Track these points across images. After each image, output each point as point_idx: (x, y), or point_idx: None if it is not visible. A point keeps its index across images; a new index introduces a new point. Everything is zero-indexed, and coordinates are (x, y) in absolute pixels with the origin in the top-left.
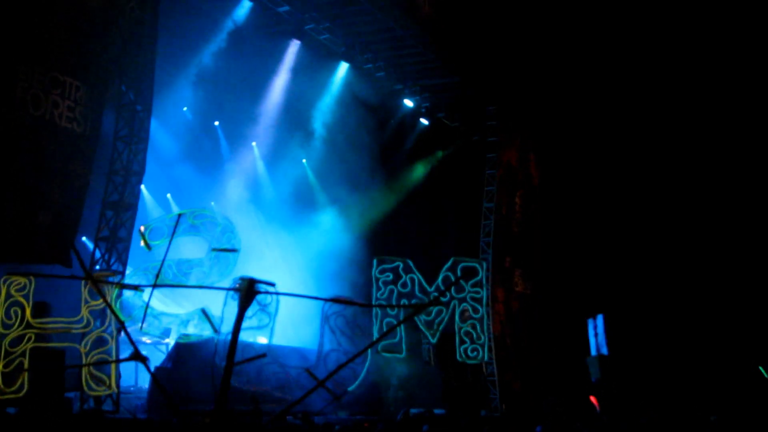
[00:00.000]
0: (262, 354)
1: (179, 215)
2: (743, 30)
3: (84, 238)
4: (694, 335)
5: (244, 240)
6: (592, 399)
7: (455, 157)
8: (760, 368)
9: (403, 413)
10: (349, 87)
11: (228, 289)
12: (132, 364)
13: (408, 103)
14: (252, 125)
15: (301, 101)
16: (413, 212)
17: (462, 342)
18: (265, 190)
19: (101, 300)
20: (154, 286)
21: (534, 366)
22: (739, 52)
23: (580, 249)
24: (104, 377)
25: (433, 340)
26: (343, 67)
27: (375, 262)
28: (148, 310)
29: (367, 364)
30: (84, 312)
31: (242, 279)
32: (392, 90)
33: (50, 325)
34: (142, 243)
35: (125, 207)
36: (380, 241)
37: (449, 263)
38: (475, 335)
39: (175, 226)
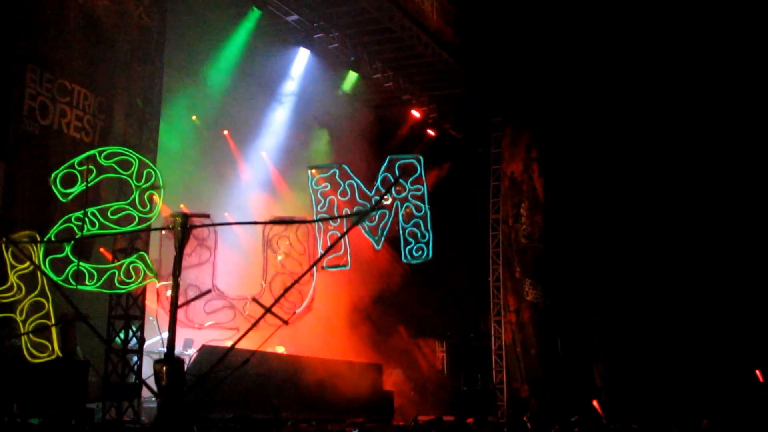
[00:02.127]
0: (206, 291)
1: (87, 156)
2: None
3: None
4: (697, 340)
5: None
6: (595, 404)
7: (462, 168)
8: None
9: (414, 420)
10: (358, 96)
11: (160, 229)
12: (150, 372)
13: (416, 113)
14: (261, 134)
15: (309, 110)
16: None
17: (407, 243)
18: (277, 199)
19: (28, 263)
20: (80, 238)
21: (543, 374)
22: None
23: (586, 258)
24: (46, 343)
25: (378, 247)
26: (352, 77)
27: (309, 172)
28: (81, 265)
29: (313, 283)
30: (12, 278)
31: (173, 215)
32: (400, 100)
33: None
34: (54, 190)
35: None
36: None
37: (386, 163)
38: (419, 233)
39: (86, 170)
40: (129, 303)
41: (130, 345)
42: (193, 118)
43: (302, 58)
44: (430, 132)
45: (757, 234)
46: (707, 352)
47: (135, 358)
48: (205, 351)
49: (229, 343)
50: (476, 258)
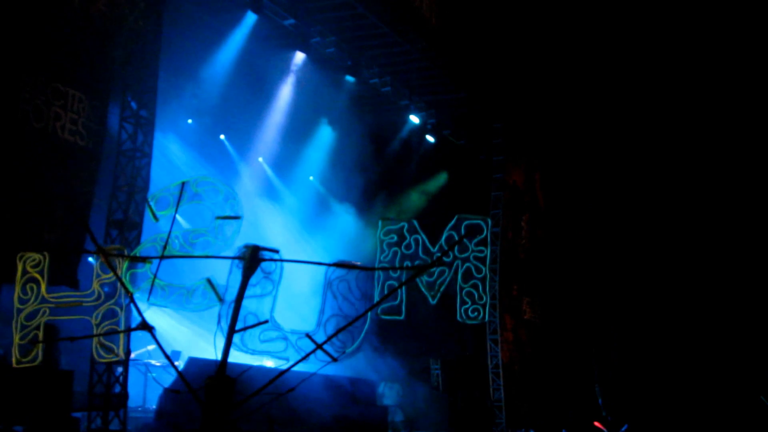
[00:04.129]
0: (264, 320)
1: (183, 183)
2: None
3: (90, 258)
4: (700, 359)
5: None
6: (597, 425)
7: (462, 176)
8: (762, 398)
9: None
10: (355, 101)
11: (232, 258)
12: (140, 387)
13: (414, 119)
14: (257, 139)
15: (306, 115)
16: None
17: (463, 303)
18: (277, 204)
19: (111, 273)
20: (161, 257)
21: (542, 393)
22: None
23: (586, 274)
24: (113, 346)
25: (433, 302)
26: (348, 82)
27: (380, 224)
28: (156, 282)
29: (365, 327)
30: (95, 285)
31: (246, 246)
32: (398, 106)
33: (64, 299)
34: (150, 214)
35: (130, 226)
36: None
37: (453, 221)
38: (476, 295)
39: (180, 195)
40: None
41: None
42: (189, 121)
43: (299, 62)
44: (429, 138)
45: (756, 245)
46: (712, 371)
47: (120, 369)
48: (193, 363)
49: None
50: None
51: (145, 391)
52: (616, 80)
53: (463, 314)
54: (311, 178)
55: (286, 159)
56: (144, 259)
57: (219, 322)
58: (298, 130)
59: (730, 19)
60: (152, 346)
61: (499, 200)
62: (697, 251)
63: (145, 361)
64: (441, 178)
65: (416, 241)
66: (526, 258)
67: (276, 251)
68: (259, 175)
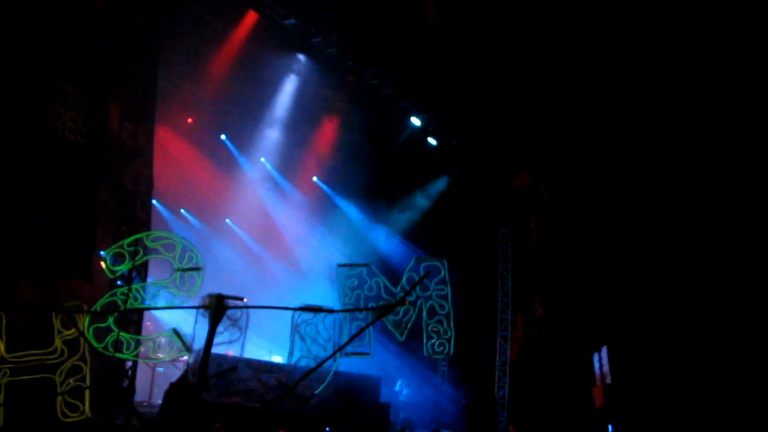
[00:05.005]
0: (233, 367)
1: (136, 239)
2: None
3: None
4: (706, 362)
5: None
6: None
7: (466, 179)
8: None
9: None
10: (355, 103)
11: (197, 307)
12: (147, 379)
13: (415, 121)
14: (258, 139)
15: (306, 116)
16: (426, 233)
17: (429, 338)
18: (279, 204)
19: (74, 329)
20: (124, 310)
21: (548, 391)
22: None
23: (594, 273)
24: (78, 403)
25: (401, 338)
26: (350, 82)
27: (338, 270)
28: (121, 335)
29: (333, 368)
30: (57, 343)
31: (210, 295)
32: (400, 107)
33: (25, 359)
34: (104, 267)
35: (137, 223)
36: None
37: (411, 263)
38: (441, 330)
39: (135, 250)
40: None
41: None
42: (189, 120)
43: (299, 62)
44: (431, 140)
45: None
46: (716, 373)
47: (129, 364)
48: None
49: None
50: (484, 272)
51: (152, 386)
52: (619, 80)
53: (430, 349)
54: (314, 178)
55: (287, 158)
56: (105, 314)
57: (186, 373)
58: (299, 130)
59: (731, 19)
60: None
61: (505, 202)
62: (703, 247)
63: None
64: (443, 181)
65: (377, 283)
66: (537, 258)
67: (241, 299)
68: (262, 173)
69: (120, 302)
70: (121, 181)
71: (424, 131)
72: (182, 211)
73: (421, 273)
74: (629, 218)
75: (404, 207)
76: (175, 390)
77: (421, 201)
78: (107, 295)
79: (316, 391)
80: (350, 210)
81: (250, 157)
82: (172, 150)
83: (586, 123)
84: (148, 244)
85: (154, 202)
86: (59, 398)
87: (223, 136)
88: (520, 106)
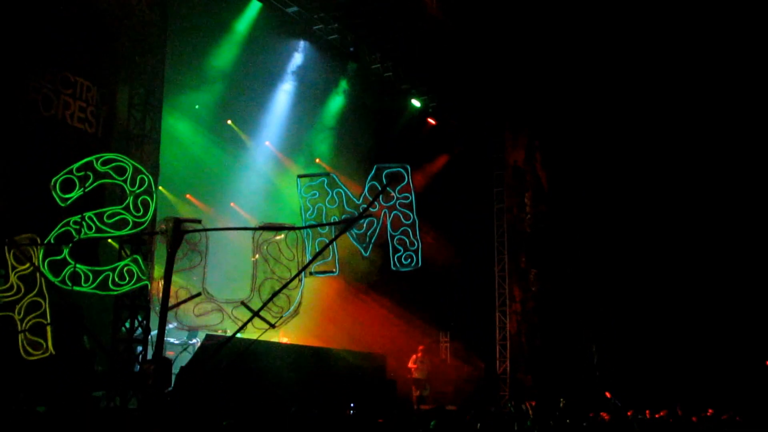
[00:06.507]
0: (197, 293)
1: (84, 163)
2: (744, 28)
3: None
4: (703, 335)
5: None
6: (608, 395)
7: (464, 157)
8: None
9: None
10: (357, 87)
11: (153, 233)
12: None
13: (415, 103)
14: (265, 123)
15: (310, 101)
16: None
17: (396, 250)
18: (285, 189)
19: (28, 264)
20: (78, 241)
21: (546, 364)
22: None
23: (589, 249)
24: (40, 341)
25: (366, 254)
26: (351, 67)
27: (298, 181)
28: (78, 267)
29: (301, 288)
30: (12, 279)
31: (166, 219)
32: (400, 90)
33: None
34: (56, 198)
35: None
36: None
37: (373, 171)
38: (408, 242)
39: (84, 176)
40: (135, 293)
41: (135, 335)
42: (197, 107)
43: (302, 48)
44: (431, 121)
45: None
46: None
47: (140, 348)
48: (210, 339)
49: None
50: (479, 246)
51: None
52: (614, 58)
53: (397, 262)
54: (317, 160)
55: (292, 142)
56: (59, 245)
57: (150, 301)
58: (302, 114)
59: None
60: (172, 324)
61: (500, 178)
62: (696, 225)
63: (168, 339)
64: (442, 160)
65: (339, 194)
66: (533, 232)
67: (198, 221)
68: (268, 157)
69: (74, 232)
70: None
71: (423, 112)
72: (188, 196)
73: (384, 181)
74: (623, 195)
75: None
76: (185, 374)
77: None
78: (59, 225)
79: (286, 314)
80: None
81: (256, 140)
82: (179, 135)
83: (580, 101)
84: (98, 168)
85: (160, 187)
86: (20, 336)
87: (229, 121)
88: (518, 87)
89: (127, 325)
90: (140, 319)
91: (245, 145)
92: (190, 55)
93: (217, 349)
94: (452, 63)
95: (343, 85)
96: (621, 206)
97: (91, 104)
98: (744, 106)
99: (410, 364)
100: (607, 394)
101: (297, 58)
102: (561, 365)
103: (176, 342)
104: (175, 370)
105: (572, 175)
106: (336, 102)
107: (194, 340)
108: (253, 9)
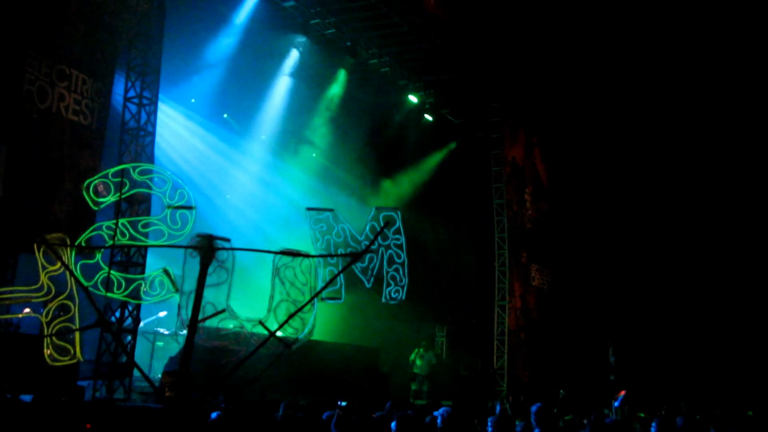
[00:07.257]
0: (222, 310)
1: (121, 169)
2: (744, 27)
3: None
4: (704, 335)
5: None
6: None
7: (462, 153)
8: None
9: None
10: (355, 82)
11: (188, 247)
12: (146, 354)
13: (412, 98)
14: (259, 118)
15: (306, 96)
16: (423, 207)
17: (388, 285)
18: (279, 183)
19: (59, 264)
20: (112, 247)
21: (546, 360)
22: (740, 47)
23: (591, 244)
24: (68, 346)
25: (368, 285)
26: (348, 63)
27: (307, 214)
28: (112, 274)
29: (314, 312)
30: (43, 279)
31: (200, 236)
32: (397, 85)
33: (8, 296)
34: (89, 201)
35: (138, 201)
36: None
37: (372, 213)
38: (398, 277)
39: (121, 181)
40: None
41: (124, 325)
42: (192, 101)
43: (299, 43)
44: (428, 117)
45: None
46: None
47: (129, 338)
48: (208, 336)
49: None
50: (480, 242)
51: (151, 361)
52: (612, 53)
53: (387, 295)
54: (314, 155)
55: (288, 136)
56: (93, 249)
57: (179, 313)
58: (297, 109)
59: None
60: (163, 313)
61: (499, 174)
62: (695, 219)
63: (154, 329)
64: (439, 156)
65: (343, 229)
66: (533, 227)
67: (228, 240)
68: (264, 151)
69: (107, 237)
70: (123, 160)
71: (421, 108)
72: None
73: (381, 222)
74: (623, 189)
75: (400, 182)
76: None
77: (417, 176)
78: (90, 228)
79: (300, 335)
80: (348, 186)
81: (252, 134)
82: (175, 128)
83: (579, 96)
84: (135, 176)
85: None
86: (46, 340)
87: (225, 115)
88: (516, 82)
89: (117, 314)
90: (130, 309)
91: (241, 139)
92: (186, 48)
93: (234, 368)
94: (450, 58)
95: (341, 80)
96: (622, 202)
97: (87, 97)
98: (744, 99)
99: (412, 358)
100: (622, 392)
101: (294, 53)
102: (562, 362)
103: (166, 333)
104: (164, 360)
105: (572, 171)
106: (333, 97)
107: (183, 332)
108: (251, 2)
